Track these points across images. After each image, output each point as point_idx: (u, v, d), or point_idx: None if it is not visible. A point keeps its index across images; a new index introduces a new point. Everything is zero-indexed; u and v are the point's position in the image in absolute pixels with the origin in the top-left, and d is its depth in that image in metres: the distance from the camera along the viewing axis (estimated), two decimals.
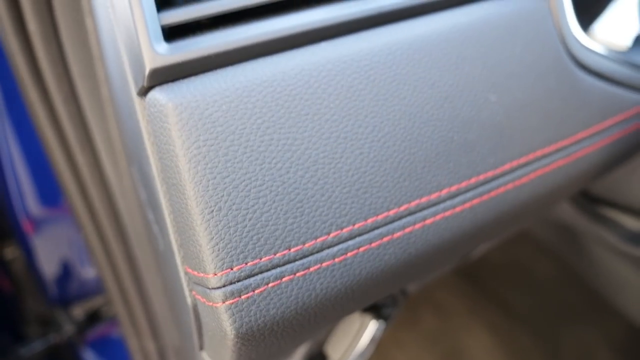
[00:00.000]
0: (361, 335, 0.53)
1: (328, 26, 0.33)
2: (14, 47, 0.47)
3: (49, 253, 0.77)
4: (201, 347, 0.37)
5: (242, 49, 0.30)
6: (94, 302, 0.83)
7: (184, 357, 0.75)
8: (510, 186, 0.38)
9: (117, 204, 0.60)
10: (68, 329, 0.74)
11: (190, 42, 0.30)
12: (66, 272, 0.80)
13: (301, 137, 0.30)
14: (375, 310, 0.53)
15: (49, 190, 0.72)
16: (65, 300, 0.81)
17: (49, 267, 0.77)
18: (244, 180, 0.28)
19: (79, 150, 0.54)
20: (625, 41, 0.54)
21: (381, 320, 0.54)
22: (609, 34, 0.55)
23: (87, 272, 0.82)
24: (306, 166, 0.30)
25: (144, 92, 0.30)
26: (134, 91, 0.31)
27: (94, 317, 0.80)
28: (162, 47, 0.29)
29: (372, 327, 0.52)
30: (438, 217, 0.34)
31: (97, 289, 0.84)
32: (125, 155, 0.51)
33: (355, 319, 0.53)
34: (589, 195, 0.63)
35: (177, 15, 0.30)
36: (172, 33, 0.31)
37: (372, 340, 0.53)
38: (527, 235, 1.34)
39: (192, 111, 0.28)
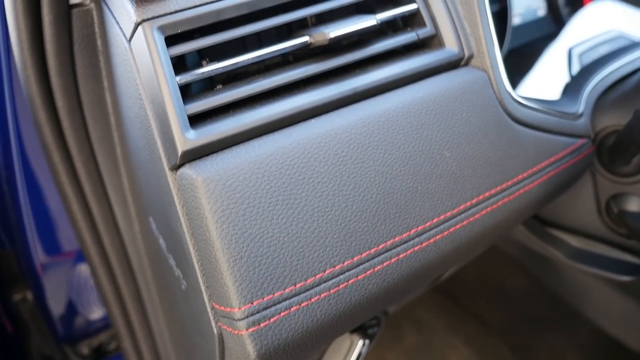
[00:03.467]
0: (351, 354, 0.61)
1: (315, 107, 0.42)
2: (42, 119, 0.54)
3: (55, 294, 0.83)
4: None
5: (250, 130, 0.39)
6: (98, 339, 0.88)
7: None
8: (465, 222, 0.47)
9: (127, 248, 0.68)
10: None
11: (211, 127, 0.38)
12: (71, 312, 0.86)
13: (300, 197, 0.39)
14: (362, 330, 0.61)
15: (53, 241, 0.79)
16: (71, 339, 0.86)
17: (56, 307, 0.83)
18: (259, 234, 0.37)
19: (94, 202, 0.62)
20: (555, 93, 0.65)
21: (367, 339, 0.62)
22: (540, 89, 0.66)
23: (90, 313, 0.88)
24: (305, 219, 0.39)
25: (175, 168, 0.38)
26: (166, 166, 0.39)
27: (99, 353, 0.85)
28: (190, 133, 0.37)
29: (360, 345, 0.60)
30: (409, 251, 0.43)
31: (99, 328, 0.90)
32: (140, 208, 0.58)
33: (345, 339, 0.61)
34: (539, 219, 0.73)
35: (199, 106, 0.39)
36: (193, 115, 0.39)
37: (360, 356, 0.61)
38: (497, 251, 1.44)
39: (217, 183, 0.36)
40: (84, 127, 0.55)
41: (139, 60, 0.39)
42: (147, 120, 0.40)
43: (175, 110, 0.37)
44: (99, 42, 0.50)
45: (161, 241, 0.50)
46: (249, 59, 0.41)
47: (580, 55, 0.70)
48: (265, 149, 0.38)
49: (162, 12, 0.39)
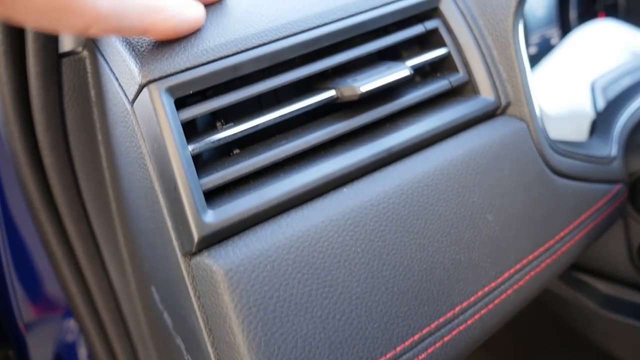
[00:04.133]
0: None
1: (346, 173, 0.37)
2: (27, 177, 0.48)
3: (41, 353, 0.76)
4: None
5: (276, 206, 0.34)
6: None
7: None
8: (510, 291, 0.42)
9: (122, 307, 0.61)
10: None
11: (230, 206, 0.33)
12: None
13: (336, 283, 0.33)
14: None
15: (38, 297, 0.72)
16: None
17: None
18: (292, 333, 0.31)
19: (86, 262, 0.56)
20: (581, 131, 0.61)
21: None
22: (567, 127, 0.62)
23: None
24: (342, 309, 0.33)
25: (190, 254, 0.33)
26: (178, 251, 0.33)
27: None
28: (208, 215, 0.32)
29: None
30: (454, 332, 0.38)
31: None
32: (138, 269, 0.52)
33: None
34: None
35: (216, 179, 0.33)
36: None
37: None
38: None
39: (241, 275, 0.31)
40: (74, 184, 0.49)
41: (144, 125, 0.34)
42: (155, 196, 0.34)
43: (189, 188, 0.32)
44: (92, 92, 0.44)
45: (166, 316, 0.44)
46: (271, 120, 0.36)
47: (604, 90, 0.66)
48: (295, 228, 0.33)
49: (171, 70, 0.34)
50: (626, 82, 0.68)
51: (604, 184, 0.53)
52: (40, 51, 0.40)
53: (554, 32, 0.78)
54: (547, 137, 0.46)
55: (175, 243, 0.33)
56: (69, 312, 0.74)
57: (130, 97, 0.35)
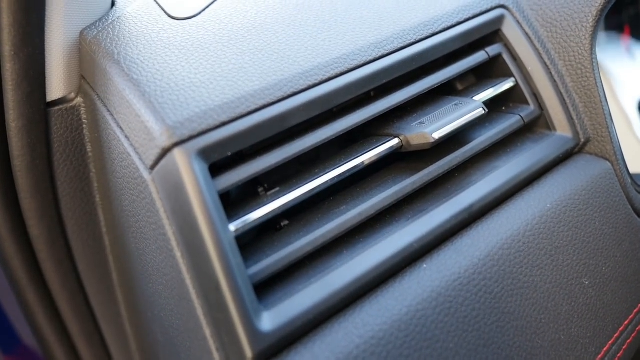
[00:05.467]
0: None
1: (425, 243, 0.29)
2: (9, 252, 0.39)
3: None
4: None
5: (346, 297, 0.26)
6: None
7: None
8: None
9: None
10: None
11: (290, 304, 0.25)
12: None
13: None
14: None
15: None
16: None
17: None
18: None
19: (83, 344, 0.47)
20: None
21: None
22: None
23: None
24: None
25: None
26: None
27: None
28: (264, 321, 0.24)
29: None
30: None
31: None
32: (147, 349, 0.44)
33: None
34: None
35: (267, 268, 0.26)
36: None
37: None
38: None
39: None
40: (68, 256, 0.41)
41: (169, 200, 0.26)
42: (184, 291, 0.26)
43: (237, 288, 0.24)
44: (88, 147, 0.36)
45: None
46: (327, 181, 0.29)
47: None
48: (374, 327, 0.25)
49: (203, 126, 0.26)
50: None
51: None
52: (23, 102, 0.32)
53: None
54: (630, 176, 0.40)
55: (215, 355, 0.25)
56: None
57: (148, 163, 0.27)
